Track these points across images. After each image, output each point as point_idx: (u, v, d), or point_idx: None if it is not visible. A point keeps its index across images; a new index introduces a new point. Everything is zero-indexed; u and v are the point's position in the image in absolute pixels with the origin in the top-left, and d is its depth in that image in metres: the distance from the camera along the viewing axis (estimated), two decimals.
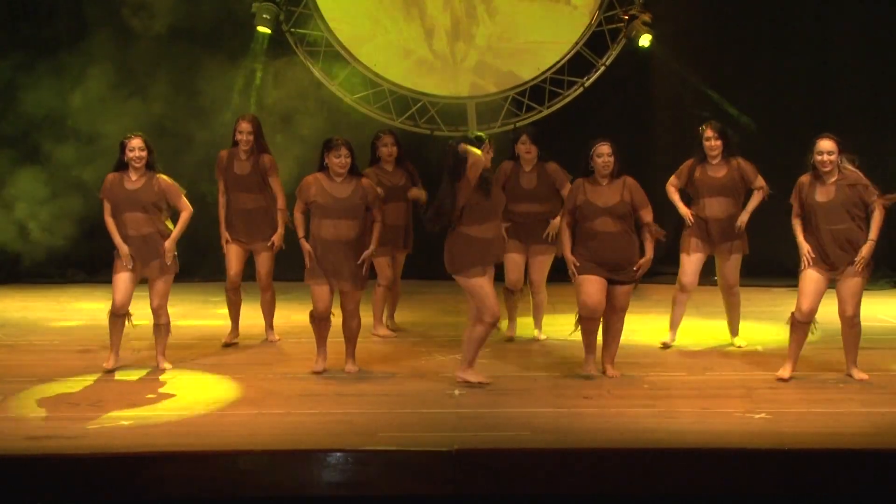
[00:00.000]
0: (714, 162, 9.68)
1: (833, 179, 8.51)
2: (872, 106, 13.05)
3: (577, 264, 8.52)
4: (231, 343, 9.94)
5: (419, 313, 11.32)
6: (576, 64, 13.07)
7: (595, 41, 13.04)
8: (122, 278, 8.88)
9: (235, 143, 9.84)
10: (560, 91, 13.13)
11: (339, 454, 6.98)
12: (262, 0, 12.75)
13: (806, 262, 8.57)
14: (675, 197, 9.74)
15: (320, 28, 12.98)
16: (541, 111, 13.11)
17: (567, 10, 13.04)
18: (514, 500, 7.00)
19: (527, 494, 6.96)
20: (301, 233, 8.74)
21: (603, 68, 13.07)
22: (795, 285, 12.60)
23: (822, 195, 8.53)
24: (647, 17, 12.76)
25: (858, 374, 8.67)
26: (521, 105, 13.12)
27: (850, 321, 8.61)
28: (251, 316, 10.44)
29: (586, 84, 13.11)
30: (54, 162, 12.70)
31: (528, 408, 8.02)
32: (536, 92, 13.13)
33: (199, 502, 6.88)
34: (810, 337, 8.79)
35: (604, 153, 8.56)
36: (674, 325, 9.84)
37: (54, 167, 12.69)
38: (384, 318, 10.33)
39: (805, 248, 8.57)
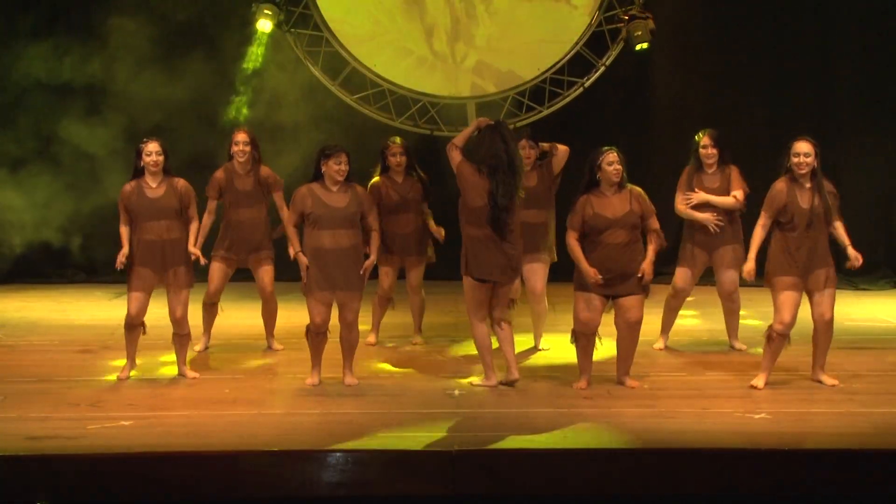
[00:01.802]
0: (710, 171, 9.61)
1: (809, 185, 8.42)
2: (873, 106, 13.06)
3: (600, 276, 8.31)
4: (203, 350, 9.80)
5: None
6: (576, 64, 13.07)
7: (595, 41, 13.04)
8: (139, 292, 8.73)
9: (230, 157, 9.67)
10: (560, 91, 13.13)
11: (338, 454, 6.97)
12: (262, 0, 12.74)
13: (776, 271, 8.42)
14: (690, 211, 9.57)
15: (320, 28, 12.98)
16: (541, 111, 13.11)
17: (567, 9, 13.04)
18: (513, 501, 7.00)
19: (527, 495, 6.96)
20: (297, 247, 8.58)
21: (603, 68, 13.07)
22: None
23: (804, 201, 8.40)
24: (650, 24, 12.70)
25: (829, 380, 8.57)
26: (521, 105, 13.12)
27: (829, 325, 8.49)
28: (252, 316, 10.46)
29: (586, 84, 13.11)
30: (54, 162, 12.70)
31: (529, 408, 8.02)
32: (536, 92, 13.14)
33: (200, 503, 6.88)
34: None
35: (614, 161, 8.38)
36: (665, 331, 9.81)
37: (54, 167, 12.69)
38: (413, 332, 10.21)
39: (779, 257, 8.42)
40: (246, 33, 12.95)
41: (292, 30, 12.99)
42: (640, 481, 6.93)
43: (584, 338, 8.50)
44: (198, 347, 9.74)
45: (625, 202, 8.39)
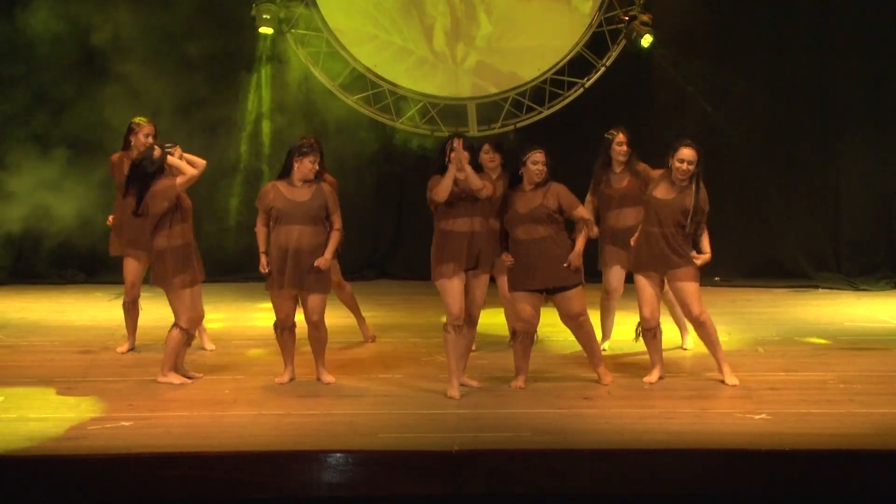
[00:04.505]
0: (618, 170, 9.54)
1: (681, 185, 8.49)
2: (873, 106, 13.04)
3: (512, 260, 8.40)
4: (127, 352, 9.67)
5: (419, 315, 11.33)
6: (576, 65, 13.06)
7: (595, 42, 13.03)
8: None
9: (127, 146, 9.55)
10: (560, 92, 13.12)
11: (339, 455, 6.98)
12: (260, 2, 12.73)
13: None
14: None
15: (320, 28, 12.98)
16: (541, 112, 13.10)
17: (567, 10, 13.03)
18: (514, 501, 7.00)
19: (527, 495, 6.96)
20: (262, 247, 8.54)
21: (603, 69, 13.06)
22: (795, 286, 12.78)
23: (662, 192, 8.51)
24: (647, 18, 12.74)
25: (731, 379, 8.58)
26: (522, 106, 13.11)
27: (697, 320, 8.54)
28: (251, 317, 10.46)
29: (587, 85, 13.10)
30: (54, 162, 12.68)
31: (529, 408, 8.02)
32: (537, 92, 13.13)
33: (199, 503, 6.88)
34: (810, 339, 8.78)
35: (539, 161, 8.42)
36: (607, 334, 9.71)
37: (54, 167, 12.66)
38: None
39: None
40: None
41: (293, 31, 12.98)
42: (640, 481, 6.93)
43: (526, 337, 8.53)
44: (121, 349, 9.69)
45: (538, 197, 8.43)
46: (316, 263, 8.49)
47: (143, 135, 9.55)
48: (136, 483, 6.88)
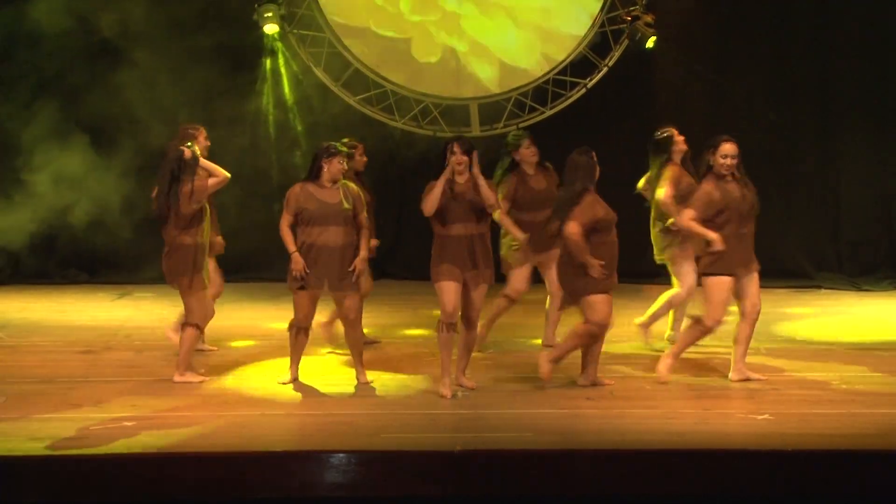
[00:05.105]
0: (684, 166, 9.56)
1: (729, 181, 8.49)
2: (874, 106, 13.07)
3: (602, 263, 8.29)
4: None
5: (419, 315, 11.33)
6: (578, 65, 13.07)
7: (598, 42, 13.04)
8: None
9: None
10: (563, 92, 13.13)
11: (341, 455, 6.97)
12: (260, 3, 12.73)
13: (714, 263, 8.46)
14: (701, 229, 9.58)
15: (323, 29, 12.98)
16: (543, 112, 13.11)
17: (572, 9, 13.06)
18: (516, 502, 6.99)
19: (529, 495, 6.96)
20: (292, 247, 8.47)
21: (606, 69, 13.07)
22: (796, 286, 12.78)
23: (736, 191, 8.46)
24: (649, 19, 12.76)
25: (754, 374, 8.63)
26: (524, 106, 13.11)
27: (758, 313, 8.55)
28: (253, 316, 10.44)
29: (589, 85, 13.12)
30: (56, 162, 12.68)
31: (531, 409, 8.02)
32: (539, 93, 13.14)
33: (201, 503, 6.88)
34: (812, 339, 8.77)
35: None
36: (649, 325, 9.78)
37: (55, 167, 12.67)
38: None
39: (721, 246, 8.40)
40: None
41: (295, 31, 12.99)
42: (642, 482, 6.93)
43: (603, 331, 8.50)
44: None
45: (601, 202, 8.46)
46: (357, 264, 8.49)
47: (203, 138, 9.38)
48: (136, 483, 6.88)
